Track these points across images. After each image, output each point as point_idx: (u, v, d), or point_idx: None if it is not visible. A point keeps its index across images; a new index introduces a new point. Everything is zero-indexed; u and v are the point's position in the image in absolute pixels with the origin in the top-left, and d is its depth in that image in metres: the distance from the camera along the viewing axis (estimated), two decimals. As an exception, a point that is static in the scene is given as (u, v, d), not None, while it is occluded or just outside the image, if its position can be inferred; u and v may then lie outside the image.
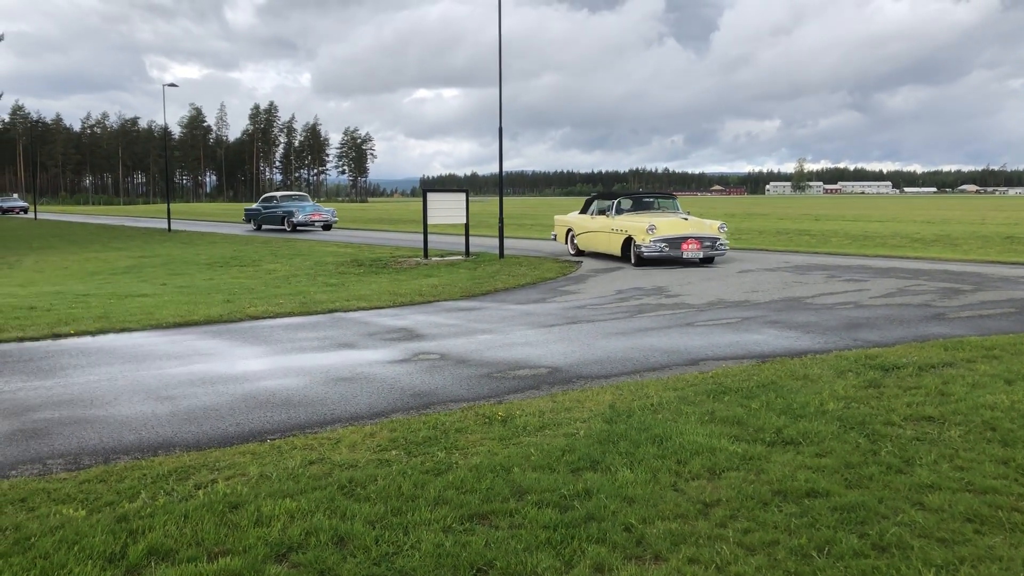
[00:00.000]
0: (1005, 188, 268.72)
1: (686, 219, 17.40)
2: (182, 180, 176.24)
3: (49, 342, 8.96)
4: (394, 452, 4.97)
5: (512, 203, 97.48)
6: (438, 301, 12.42)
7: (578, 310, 11.31)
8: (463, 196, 20.77)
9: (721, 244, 17.01)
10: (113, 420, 5.82)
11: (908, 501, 4.08)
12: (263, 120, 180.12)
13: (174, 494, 4.30)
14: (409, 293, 13.02)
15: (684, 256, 16.57)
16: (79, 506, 4.14)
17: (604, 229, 18.43)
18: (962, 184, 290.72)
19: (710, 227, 17.24)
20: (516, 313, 11.10)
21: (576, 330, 9.57)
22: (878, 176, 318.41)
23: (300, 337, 9.25)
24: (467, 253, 20.26)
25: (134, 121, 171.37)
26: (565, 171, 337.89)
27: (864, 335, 8.95)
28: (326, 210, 35.45)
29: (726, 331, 9.35)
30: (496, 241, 20.88)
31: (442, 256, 20.11)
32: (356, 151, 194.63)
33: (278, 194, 36.37)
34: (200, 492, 4.31)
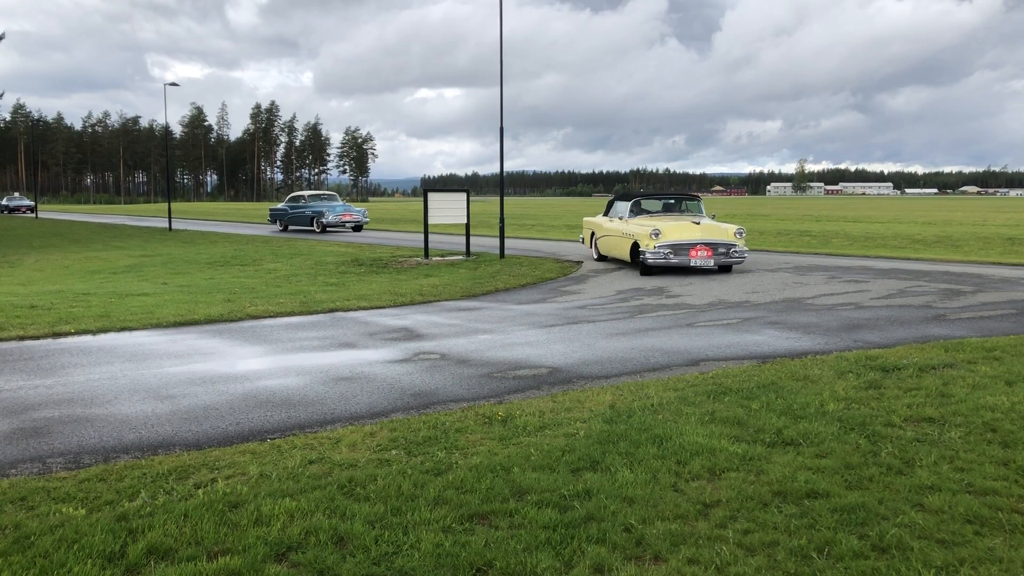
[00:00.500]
0: (1006, 189, 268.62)
1: (698, 223, 15.64)
2: (183, 179, 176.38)
3: (50, 341, 8.97)
4: (394, 452, 4.97)
5: (513, 203, 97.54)
6: (438, 301, 12.42)
7: (578, 310, 11.31)
8: (464, 196, 20.77)
9: (737, 251, 15.33)
10: (113, 419, 5.82)
11: (908, 502, 4.07)
12: (264, 119, 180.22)
13: (174, 493, 4.30)
14: (410, 293, 13.02)
15: (692, 264, 15.13)
16: (79, 505, 4.14)
17: (617, 233, 17.17)
18: (963, 185, 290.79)
19: (725, 232, 15.51)
20: (517, 313, 11.10)
21: (576, 330, 9.56)
22: (879, 177, 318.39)
23: (300, 336, 9.25)
24: (468, 253, 20.25)
25: (135, 120, 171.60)
26: (566, 171, 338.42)
27: (865, 336, 8.95)
28: (357, 210, 33.58)
29: (726, 332, 9.34)
30: (497, 241, 20.88)
31: (443, 256, 20.10)
32: (357, 151, 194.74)
33: (306, 193, 34.90)
34: (200, 491, 4.31)
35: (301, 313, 11.04)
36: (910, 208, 69.92)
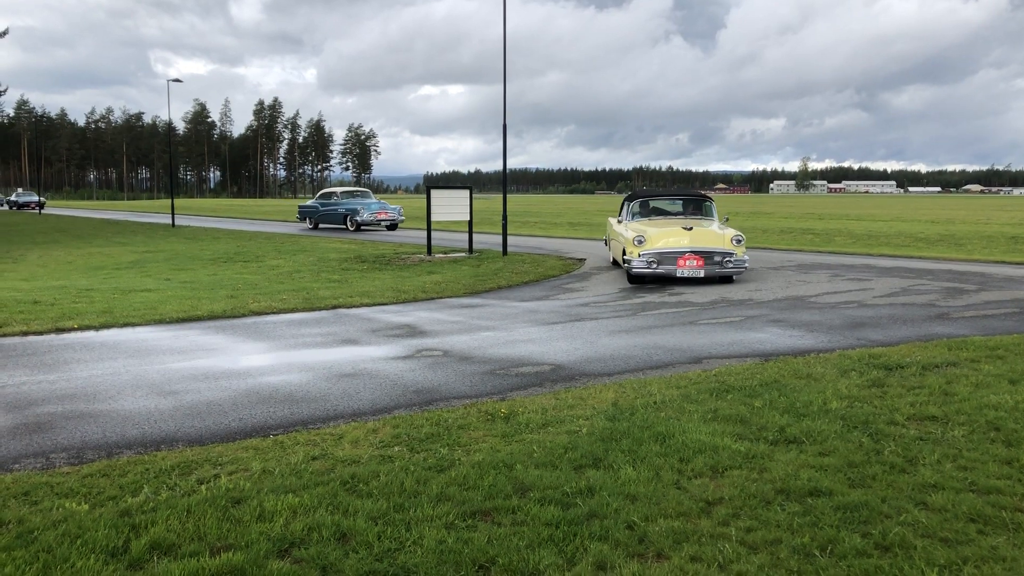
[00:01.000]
0: (1010, 188, 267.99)
1: (689, 228, 13.90)
2: (186, 176, 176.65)
3: (53, 336, 8.98)
4: (397, 448, 4.97)
5: (516, 201, 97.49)
6: (441, 298, 12.42)
7: (581, 307, 11.31)
8: (467, 193, 20.77)
9: (735, 260, 13.57)
10: (116, 415, 5.82)
11: (911, 501, 4.07)
12: (267, 116, 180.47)
13: (177, 489, 4.30)
14: (412, 290, 13.02)
15: (679, 275, 13.46)
16: (82, 500, 4.14)
17: (617, 236, 15.90)
18: (966, 184, 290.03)
19: (719, 239, 13.76)
20: (519, 310, 11.10)
21: (579, 327, 9.56)
22: (882, 175, 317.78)
23: (303, 333, 9.25)
24: (470, 250, 20.25)
25: (138, 116, 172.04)
26: (569, 169, 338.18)
27: (868, 334, 8.93)
28: (392, 208, 31.89)
29: (729, 329, 9.33)
30: (499, 238, 20.87)
31: (445, 253, 20.10)
32: (360, 147, 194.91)
33: (338, 190, 33.55)
34: (203, 487, 4.31)
35: (304, 309, 11.04)
36: (913, 206, 69.80)
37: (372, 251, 21.12)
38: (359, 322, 10.03)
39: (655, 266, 13.49)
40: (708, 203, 16.13)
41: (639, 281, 13.98)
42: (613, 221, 17.29)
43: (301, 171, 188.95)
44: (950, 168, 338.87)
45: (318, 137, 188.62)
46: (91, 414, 5.83)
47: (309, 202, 35.40)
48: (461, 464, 4.63)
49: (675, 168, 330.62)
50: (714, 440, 4.97)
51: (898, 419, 5.43)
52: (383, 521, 3.87)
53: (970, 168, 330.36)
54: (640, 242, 13.62)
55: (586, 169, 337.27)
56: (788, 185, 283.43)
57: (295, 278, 15.34)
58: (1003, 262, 17.66)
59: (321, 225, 32.91)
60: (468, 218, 20.47)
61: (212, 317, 10.35)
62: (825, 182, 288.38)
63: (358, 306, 11.42)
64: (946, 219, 40.04)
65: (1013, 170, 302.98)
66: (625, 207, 16.46)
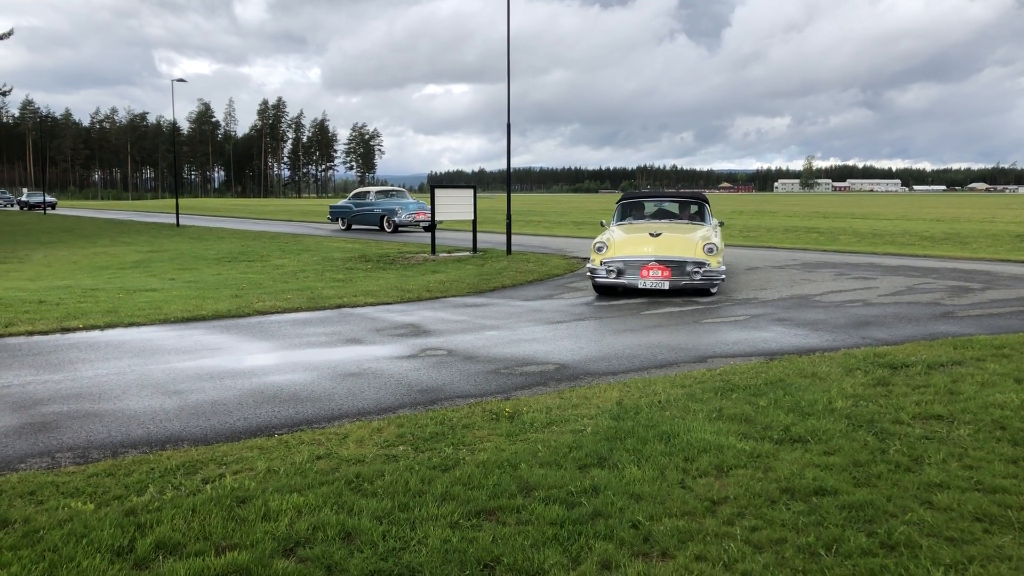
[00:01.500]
0: (1015, 186, 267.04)
1: (656, 234, 12.29)
2: (190, 175, 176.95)
3: (58, 336, 9.00)
4: (401, 448, 4.97)
5: (520, 200, 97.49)
6: (445, 297, 12.42)
7: (585, 307, 11.30)
8: (471, 192, 20.76)
9: (709, 272, 11.80)
10: (121, 414, 5.84)
11: (917, 500, 4.06)
12: (271, 115, 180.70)
13: (182, 488, 4.31)
14: (416, 289, 13.03)
15: (641, 286, 11.86)
16: (87, 500, 4.15)
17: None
18: (972, 182, 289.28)
19: (691, 247, 11.99)
20: (523, 309, 11.10)
21: (583, 326, 9.56)
22: (887, 174, 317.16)
23: (308, 332, 9.26)
24: (474, 249, 20.25)
25: (143, 116, 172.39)
26: (573, 168, 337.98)
27: (873, 333, 8.91)
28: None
29: (734, 328, 9.32)
30: (503, 238, 20.87)
31: (449, 252, 20.11)
32: (364, 147, 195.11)
33: (372, 189, 32.43)
34: (208, 486, 4.32)
35: (308, 309, 11.06)
36: (918, 205, 69.64)
37: (376, 250, 21.14)
38: (363, 321, 10.04)
39: (615, 276, 11.98)
40: (701, 205, 14.38)
41: (605, 293, 12.45)
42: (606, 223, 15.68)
43: (305, 171, 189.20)
44: (955, 166, 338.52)
45: (322, 136, 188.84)
46: (96, 414, 5.84)
47: (341, 202, 34.22)
48: (466, 463, 4.63)
49: (679, 167, 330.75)
50: (719, 439, 4.97)
51: (903, 418, 5.42)
52: (388, 520, 3.87)
53: (975, 166, 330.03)
54: (600, 249, 12.28)
55: (590, 168, 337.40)
56: (792, 184, 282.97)
57: (299, 277, 15.36)
58: (1009, 260, 17.60)
59: (355, 226, 31.54)
60: (472, 217, 20.47)
61: (217, 317, 10.37)
62: (830, 180, 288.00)
63: (362, 305, 11.43)
64: (951, 217, 39.93)
65: (1019, 168, 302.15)
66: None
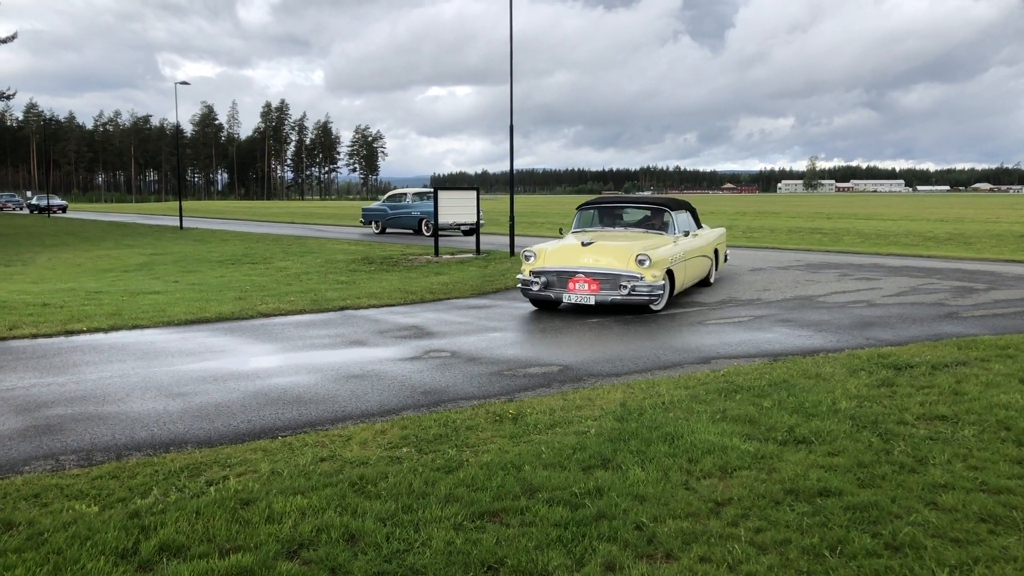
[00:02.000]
0: (1019, 187, 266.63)
1: (587, 243, 11.00)
2: (194, 178, 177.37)
3: (62, 339, 9.02)
4: (405, 449, 4.97)
5: (523, 201, 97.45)
6: (449, 299, 12.42)
7: (588, 307, 11.29)
8: (474, 194, 20.79)
9: (642, 287, 10.37)
10: (125, 417, 5.84)
11: (921, 501, 4.05)
12: (275, 118, 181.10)
13: (186, 490, 4.31)
14: (420, 291, 13.04)
15: (567, 300, 10.65)
16: (92, 502, 4.16)
17: None
18: (975, 182, 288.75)
19: (623, 258, 10.56)
20: (527, 311, 11.09)
21: (586, 328, 9.55)
22: (891, 174, 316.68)
23: (311, 334, 9.27)
24: (478, 251, 20.26)
25: (146, 119, 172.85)
26: (576, 169, 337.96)
27: (877, 334, 8.90)
28: None
29: (738, 329, 9.31)
30: (507, 239, 20.88)
31: (453, 254, 20.11)
32: (367, 149, 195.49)
33: (408, 191, 30.37)
34: (212, 489, 4.32)
35: (312, 311, 11.06)
36: (922, 205, 69.52)
37: (379, 252, 21.15)
38: (367, 323, 10.05)
39: (541, 288, 10.87)
40: (667, 213, 12.48)
41: (540, 305, 11.36)
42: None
43: (308, 173, 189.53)
44: (959, 167, 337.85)
45: (325, 139, 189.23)
46: (100, 416, 5.85)
47: (375, 204, 32.73)
48: (469, 465, 4.63)
49: (683, 168, 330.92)
50: (723, 440, 4.96)
51: (908, 419, 5.41)
52: (392, 522, 3.87)
53: (979, 167, 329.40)
54: (528, 257, 11.20)
55: (593, 169, 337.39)
56: (796, 185, 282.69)
57: (303, 280, 15.38)
58: (1013, 261, 17.57)
59: (389, 230, 30.41)
60: (476, 219, 20.48)
61: (220, 319, 10.38)
62: (833, 181, 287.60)
63: (366, 307, 11.43)
64: (955, 218, 39.86)
65: (1023, 168, 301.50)
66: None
